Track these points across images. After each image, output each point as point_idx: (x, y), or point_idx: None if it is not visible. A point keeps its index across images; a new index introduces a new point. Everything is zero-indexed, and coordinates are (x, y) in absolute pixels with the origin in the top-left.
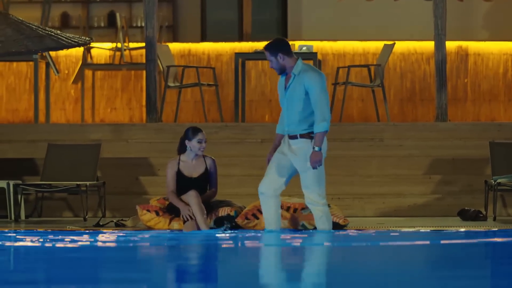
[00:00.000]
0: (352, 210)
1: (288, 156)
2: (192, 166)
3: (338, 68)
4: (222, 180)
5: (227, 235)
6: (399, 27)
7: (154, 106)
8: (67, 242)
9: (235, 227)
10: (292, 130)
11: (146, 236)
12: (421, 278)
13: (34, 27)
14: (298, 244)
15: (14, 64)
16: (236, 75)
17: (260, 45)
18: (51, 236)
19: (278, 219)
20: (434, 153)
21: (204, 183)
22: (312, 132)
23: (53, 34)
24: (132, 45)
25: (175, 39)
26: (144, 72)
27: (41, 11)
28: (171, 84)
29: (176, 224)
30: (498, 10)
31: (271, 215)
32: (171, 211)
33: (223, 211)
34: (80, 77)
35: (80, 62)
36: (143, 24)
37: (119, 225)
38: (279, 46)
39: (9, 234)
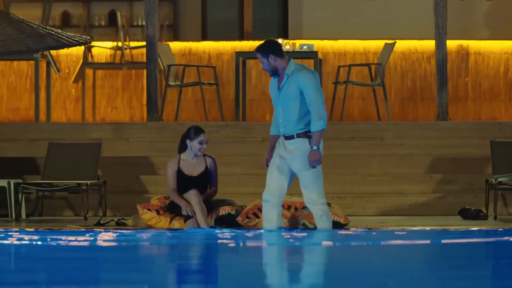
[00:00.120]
0: (353, 209)
1: (286, 158)
2: (192, 165)
3: (339, 67)
4: (222, 179)
5: (228, 234)
6: (400, 26)
7: (155, 105)
8: (67, 241)
9: (236, 226)
10: (289, 131)
11: (147, 235)
12: (420, 278)
13: (35, 26)
14: (299, 243)
15: (15, 63)
16: (237, 74)
17: None
18: (51, 235)
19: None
20: (435, 152)
21: (204, 182)
22: (309, 131)
23: (53, 33)
24: (133, 44)
25: (175, 38)
26: (145, 71)
27: (42, 10)
28: (171, 83)
29: (177, 223)
30: (498, 9)
31: (271, 224)
32: (172, 210)
33: (223, 210)
34: (81, 76)
35: (81, 61)
36: (143, 23)
37: (120, 224)
38: (270, 48)
39: (9, 233)
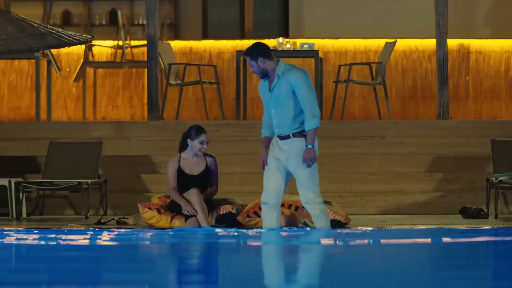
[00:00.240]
0: (353, 208)
1: (282, 159)
2: (192, 164)
3: (339, 66)
4: (223, 178)
5: (229, 233)
6: (400, 25)
7: (156, 104)
8: (68, 240)
9: (236, 225)
10: (284, 131)
11: (148, 234)
12: (420, 277)
13: (35, 25)
14: (299, 242)
15: (16, 62)
16: (238, 73)
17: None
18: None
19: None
20: (436, 151)
21: (204, 181)
22: (304, 130)
23: (54, 32)
24: (134, 43)
25: (176, 37)
26: (146, 70)
27: (43, 9)
28: (172, 82)
29: (177, 222)
30: (499, 8)
31: (271, 226)
32: (173, 209)
33: (224, 209)
34: (81, 75)
35: (82, 60)
36: (144, 22)
37: (120, 223)
38: (258, 51)
39: (10, 232)
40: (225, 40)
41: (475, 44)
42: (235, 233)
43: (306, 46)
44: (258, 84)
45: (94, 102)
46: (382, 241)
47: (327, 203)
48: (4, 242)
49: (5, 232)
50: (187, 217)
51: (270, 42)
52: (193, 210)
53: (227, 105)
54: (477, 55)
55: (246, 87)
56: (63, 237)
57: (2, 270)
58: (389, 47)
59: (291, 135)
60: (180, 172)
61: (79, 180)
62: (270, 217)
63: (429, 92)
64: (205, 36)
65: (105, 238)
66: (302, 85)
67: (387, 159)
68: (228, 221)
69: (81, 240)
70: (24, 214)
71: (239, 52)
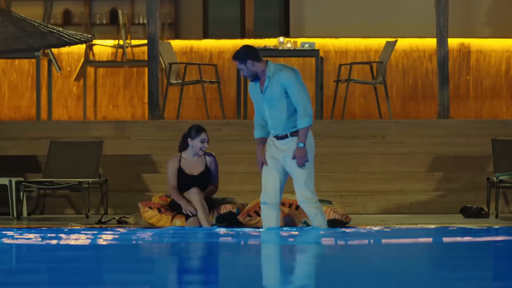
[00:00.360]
0: (354, 207)
1: (279, 158)
2: (193, 164)
3: (340, 65)
4: (224, 177)
5: (229, 232)
6: (401, 24)
7: (156, 103)
8: (69, 239)
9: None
10: (281, 131)
11: (148, 233)
12: (420, 276)
13: (36, 24)
14: (299, 242)
15: (16, 61)
16: (238, 72)
17: (262, 42)
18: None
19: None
20: (436, 150)
21: (205, 181)
22: None
23: (55, 31)
24: (134, 42)
25: (177, 36)
26: (146, 69)
27: (43, 8)
28: (173, 81)
29: (178, 222)
30: (500, 7)
31: (271, 226)
32: (173, 208)
33: (225, 208)
34: (82, 74)
35: (82, 59)
36: (145, 21)
37: (121, 222)
38: (247, 53)
39: (10, 232)
40: (225, 40)
41: (475, 43)
42: (235, 233)
43: (306, 45)
44: (248, 87)
45: (95, 102)
46: (383, 240)
47: (327, 202)
48: (4, 242)
49: (4, 232)
50: (187, 216)
51: (271, 42)
52: (193, 209)
53: (227, 104)
54: (477, 55)
55: (246, 87)
56: (64, 236)
57: (2, 271)
58: (390, 46)
59: (288, 134)
60: (180, 171)
61: (80, 180)
62: (270, 216)
63: (429, 91)
64: (205, 36)
65: (105, 238)
66: (293, 84)
67: (387, 159)
68: (228, 220)
69: (82, 239)
70: (25, 214)
71: None
